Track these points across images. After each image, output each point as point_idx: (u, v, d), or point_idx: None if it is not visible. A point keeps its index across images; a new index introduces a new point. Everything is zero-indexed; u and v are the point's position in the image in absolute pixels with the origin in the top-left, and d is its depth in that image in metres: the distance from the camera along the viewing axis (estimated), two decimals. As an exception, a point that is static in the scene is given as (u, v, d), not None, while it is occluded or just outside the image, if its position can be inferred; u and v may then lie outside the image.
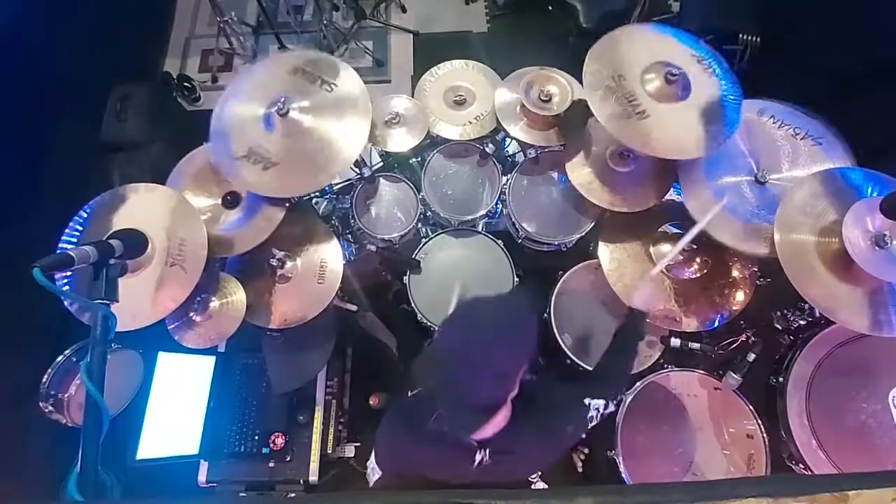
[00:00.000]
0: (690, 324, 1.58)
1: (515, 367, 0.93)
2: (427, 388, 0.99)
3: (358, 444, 2.00)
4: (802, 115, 1.54)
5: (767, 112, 1.54)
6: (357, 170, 1.84)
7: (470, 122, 1.85)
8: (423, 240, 1.93)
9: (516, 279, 1.86)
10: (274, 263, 1.54)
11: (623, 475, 1.61)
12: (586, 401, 1.14)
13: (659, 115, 1.39)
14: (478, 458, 1.02)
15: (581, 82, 1.45)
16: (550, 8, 3.36)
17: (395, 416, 1.18)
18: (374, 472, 1.25)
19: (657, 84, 1.41)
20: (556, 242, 1.85)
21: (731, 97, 1.42)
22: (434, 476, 1.09)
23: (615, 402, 1.22)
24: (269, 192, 1.46)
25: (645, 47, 1.46)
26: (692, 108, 1.40)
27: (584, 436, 1.46)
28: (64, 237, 1.38)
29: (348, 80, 1.52)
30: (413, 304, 1.83)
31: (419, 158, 2.04)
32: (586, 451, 1.90)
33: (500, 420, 0.99)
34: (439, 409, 1.01)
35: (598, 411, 1.15)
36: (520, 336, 0.93)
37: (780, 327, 1.71)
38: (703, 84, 1.43)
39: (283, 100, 1.44)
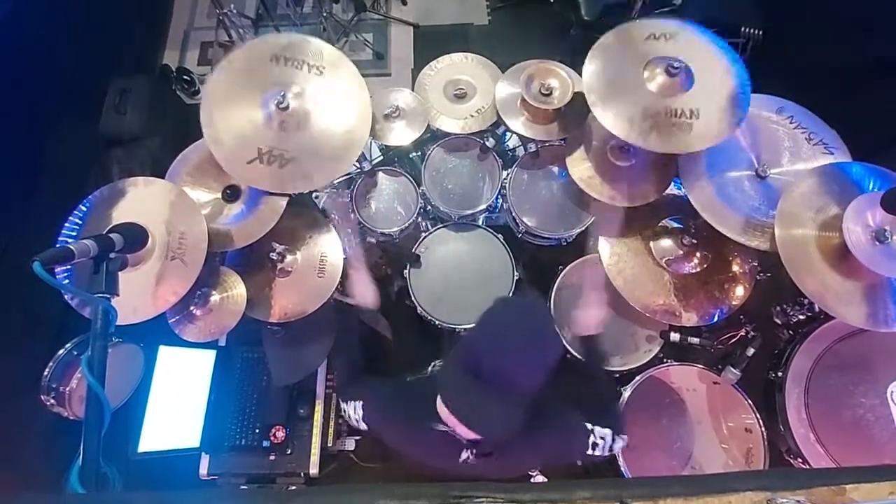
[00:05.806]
0: (690, 318, 1.59)
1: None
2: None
3: (358, 438, 2.00)
4: (821, 122, 1.52)
5: (786, 111, 1.53)
6: (357, 164, 1.84)
7: (470, 116, 1.84)
8: (423, 234, 1.92)
9: (516, 274, 1.86)
10: (274, 257, 1.54)
11: (622, 469, 1.62)
12: (588, 425, 1.11)
13: (703, 102, 1.36)
14: (463, 455, 1.03)
15: (581, 74, 1.43)
16: (551, 0, 3.34)
17: (393, 396, 1.19)
18: (357, 421, 1.21)
19: (662, 82, 1.39)
20: (557, 237, 1.85)
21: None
22: (412, 457, 1.10)
23: (621, 435, 1.17)
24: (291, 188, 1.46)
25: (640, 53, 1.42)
26: (703, 88, 1.39)
27: (580, 462, 1.46)
28: (63, 231, 1.38)
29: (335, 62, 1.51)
30: (413, 298, 1.83)
31: (419, 152, 2.04)
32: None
33: None
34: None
35: (605, 441, 1.12)
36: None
37: (779, 322, 1.72)
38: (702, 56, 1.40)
39: (281, 94, 1.44)
